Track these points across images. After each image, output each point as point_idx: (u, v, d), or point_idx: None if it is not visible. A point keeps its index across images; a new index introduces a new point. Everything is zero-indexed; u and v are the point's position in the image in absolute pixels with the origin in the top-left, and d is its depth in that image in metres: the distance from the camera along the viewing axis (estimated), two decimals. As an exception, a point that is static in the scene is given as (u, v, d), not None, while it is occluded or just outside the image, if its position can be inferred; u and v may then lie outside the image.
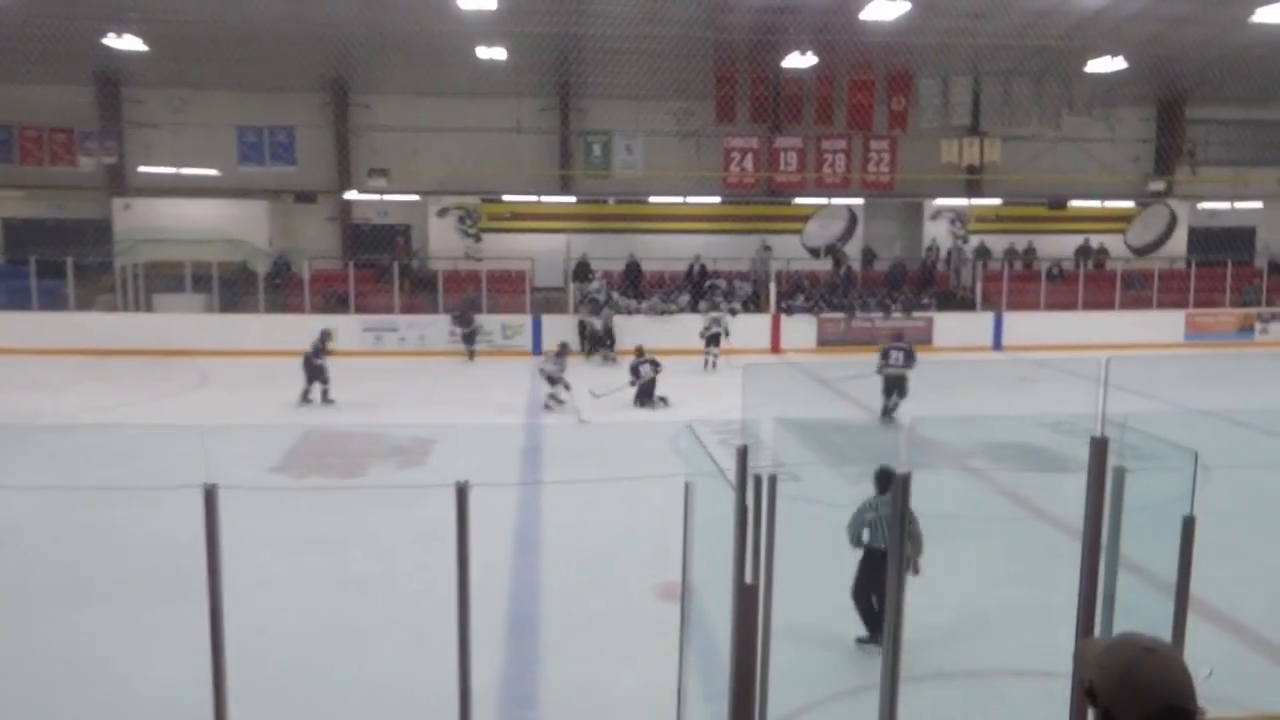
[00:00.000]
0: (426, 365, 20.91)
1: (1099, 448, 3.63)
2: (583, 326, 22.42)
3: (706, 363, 20.15)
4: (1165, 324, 24.44)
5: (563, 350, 16.54)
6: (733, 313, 22.59)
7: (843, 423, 14.07)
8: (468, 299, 22.84)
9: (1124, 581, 4.11)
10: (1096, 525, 3.66)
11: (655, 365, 16.40)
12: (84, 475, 10.46)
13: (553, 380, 15.81)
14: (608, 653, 6.84)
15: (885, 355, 14.83)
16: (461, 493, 4.07)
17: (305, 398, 16.25)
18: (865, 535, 6.73)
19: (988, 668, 6.62)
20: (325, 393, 16.34)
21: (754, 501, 3.73)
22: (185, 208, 24.78)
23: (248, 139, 24.36)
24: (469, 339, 21.75)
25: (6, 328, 21.53)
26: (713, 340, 20.36)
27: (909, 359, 14.58)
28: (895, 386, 14.52)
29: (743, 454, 3.56)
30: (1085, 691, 1.89)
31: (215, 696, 4.29)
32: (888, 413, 14.45)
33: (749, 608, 3.44)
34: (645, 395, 16.25)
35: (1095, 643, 1.99)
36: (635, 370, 16.41)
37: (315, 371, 16.34)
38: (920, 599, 4.32)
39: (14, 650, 6.77)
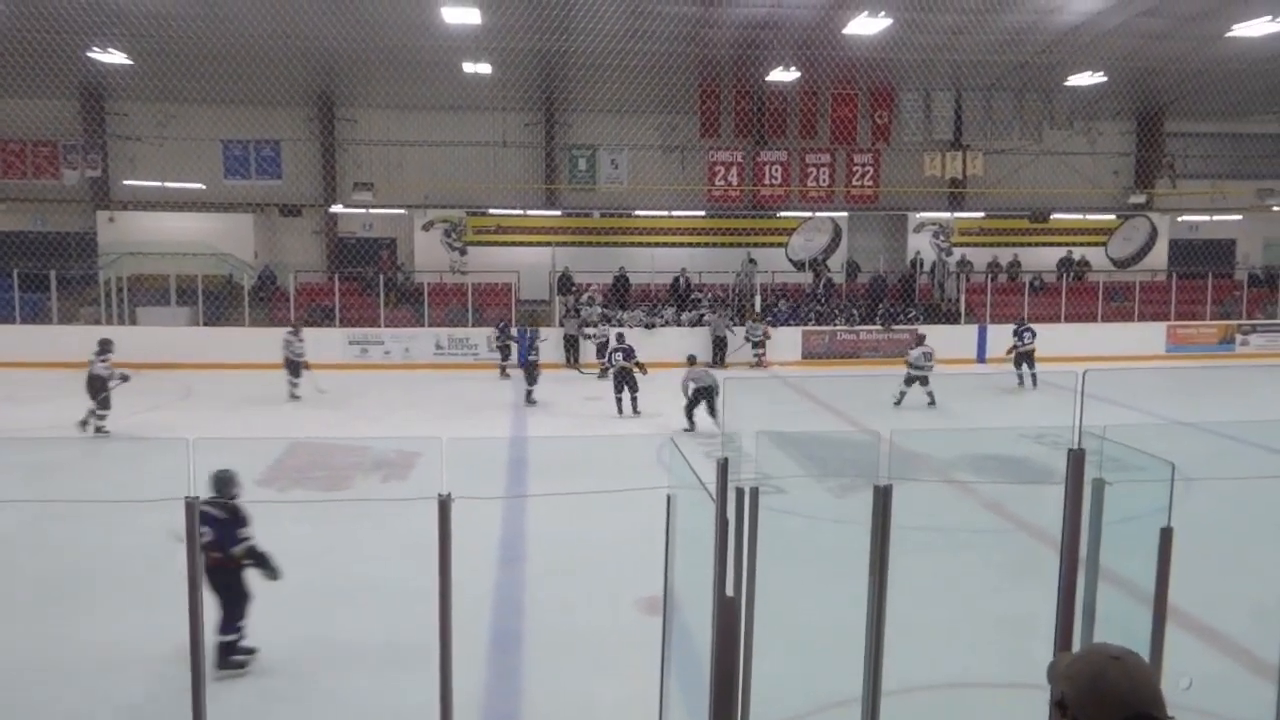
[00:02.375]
0: (411, 378, 20.87)
1: (1076, 460, 3.66)
2: (569, 340, 22.41)
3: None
4: (1147, 336, 24.62)
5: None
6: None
7: (827, 435, 14.11)
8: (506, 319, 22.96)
9: (1104, 593, 4.14)
10: (1074, 537, 3.69)
11: (629, 354, 16.74)
12: (66, 488, 10.39)
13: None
14: (591, 666, 6.83)
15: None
16: (443, 506, 4.07)
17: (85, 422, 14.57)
18: None
19: (969, 680, 6.64)
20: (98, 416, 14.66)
21: (735, 514, 3.75)
22: (170, 221, 24.72)
23: (233, 153, 24.35)
24: (506, 353, 21.70)
25: (-13, 341, 21.37)
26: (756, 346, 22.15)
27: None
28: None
29: (723, 467, 3.57)
30: (1056, 704, 1.91)
31: (194, 709, 4.28)
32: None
33: (730, 620, 3.45)
34: (622, 380, 16.53)
35: (1066, 655, 2.02)
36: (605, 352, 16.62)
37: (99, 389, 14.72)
38: (902, 611, 4.34)
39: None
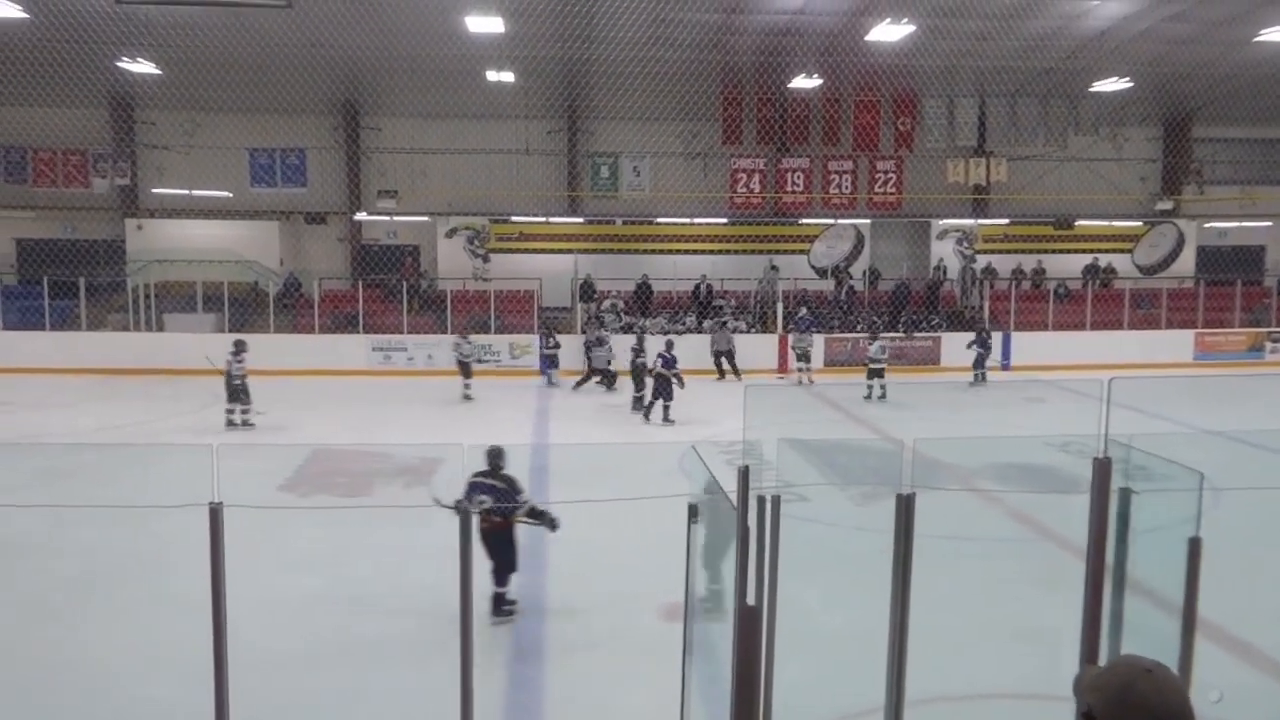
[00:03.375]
0: (434, 384, 20.95)
1: (1101, 468, 3.62)
2: (589, 349, 22.38)
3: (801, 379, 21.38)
4: (1174, 343, 24.34)
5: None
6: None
7: (850, 443, 14.04)
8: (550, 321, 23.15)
9: (1132, 603, 4.09)
10: (1100, 546, 3.65)
11: (670, 364, 16.77)
12: (93, 493, 10.49)
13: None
14: (613, 673, 6.82)
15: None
16: (465, 513, 4.08)
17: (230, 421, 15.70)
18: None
19: (994, 691, 6.58)
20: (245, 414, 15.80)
21: (757, 522, 3.73)
22: (197, 228, 24.98)
23: (259, 161, 24.61)
24: (554, 361, 21.73)
25: (19, 347, 21.66)
26: (803, 357, 21.46)
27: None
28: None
29: (744, 475, 3.56)
30: (1083, 716, 1.88)
31: (217, 710, 4.30)
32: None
33: (751, 628, 3.43)
34: (659, 389, 16.69)
35: (1093, 668, 1.99)
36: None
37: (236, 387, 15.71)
38: (926, 621, 4.30)
39: (21, 667, 6.79)
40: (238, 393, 15.76)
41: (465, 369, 19.55)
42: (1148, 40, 19.93)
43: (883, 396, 18.96)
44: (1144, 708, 1.81)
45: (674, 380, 16.63)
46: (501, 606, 7.64)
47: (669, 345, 17.60)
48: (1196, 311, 25.19)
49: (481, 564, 4.24)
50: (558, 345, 21.65)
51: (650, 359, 17.59)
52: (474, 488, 7.60)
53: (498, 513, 7.49)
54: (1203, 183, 27.32)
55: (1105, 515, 3.65)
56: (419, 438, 14.69)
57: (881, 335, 20.98)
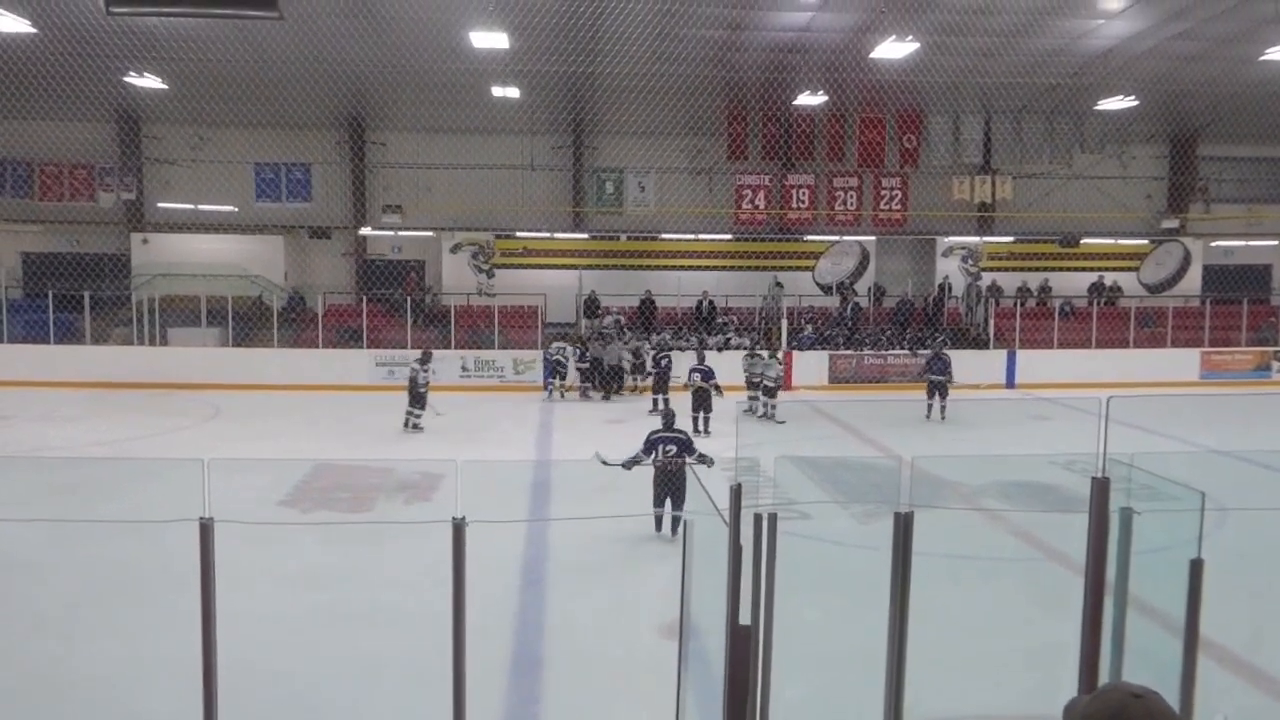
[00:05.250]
0: (437, 400, 20.90)
1: (1100, 487, 3.57)
2: (594, 363, 22.42)
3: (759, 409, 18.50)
4: (1180, 362, 24.26)
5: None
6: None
7: (852, 460, 13.97)
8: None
9: (1135, 624, 4.03)
10: (1099, 566, 3.60)
11: (707, 375, 17.09)
12: (95, 508, 10.46)
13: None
14: (611, 690, 6.75)
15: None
16: (458, 529, 4.03)
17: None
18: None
19: (994, 713, 6.49)
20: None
21: (754, 540, 3.68)
22: (202, 243, 25.07)
23: (265, 176, 24.73)
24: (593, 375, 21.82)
25: (24, 360, 21.70)
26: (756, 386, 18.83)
27: None
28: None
29: (736, 492, 3.51)
30: None
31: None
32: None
33: (742, 648, 3.38)
34: (698, 402, 16.77)
35: (1083, 697, 1.95)
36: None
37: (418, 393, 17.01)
38: (927, 641, 4.24)
39: (13, 682, 6.74)
40: (420, 398, 16.91)
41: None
42: (1153, 58, 19.93)
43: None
44: None
45: (713, 391, 16.85)
46: (676, 529, 9.88)
47: (700, 359, 18.08)
48: (1202, 330, 25.11)
49: (474, 580, 4.20)
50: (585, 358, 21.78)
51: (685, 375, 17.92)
52: (660, 440, 10.40)
53: (679, 455, 10.20)
54: (1209, 201, 27.29)
55: (1104, 535, 3.59)
56: (422, 454, 14.65)
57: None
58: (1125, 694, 1.84)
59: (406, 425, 16.93)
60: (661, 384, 19.55)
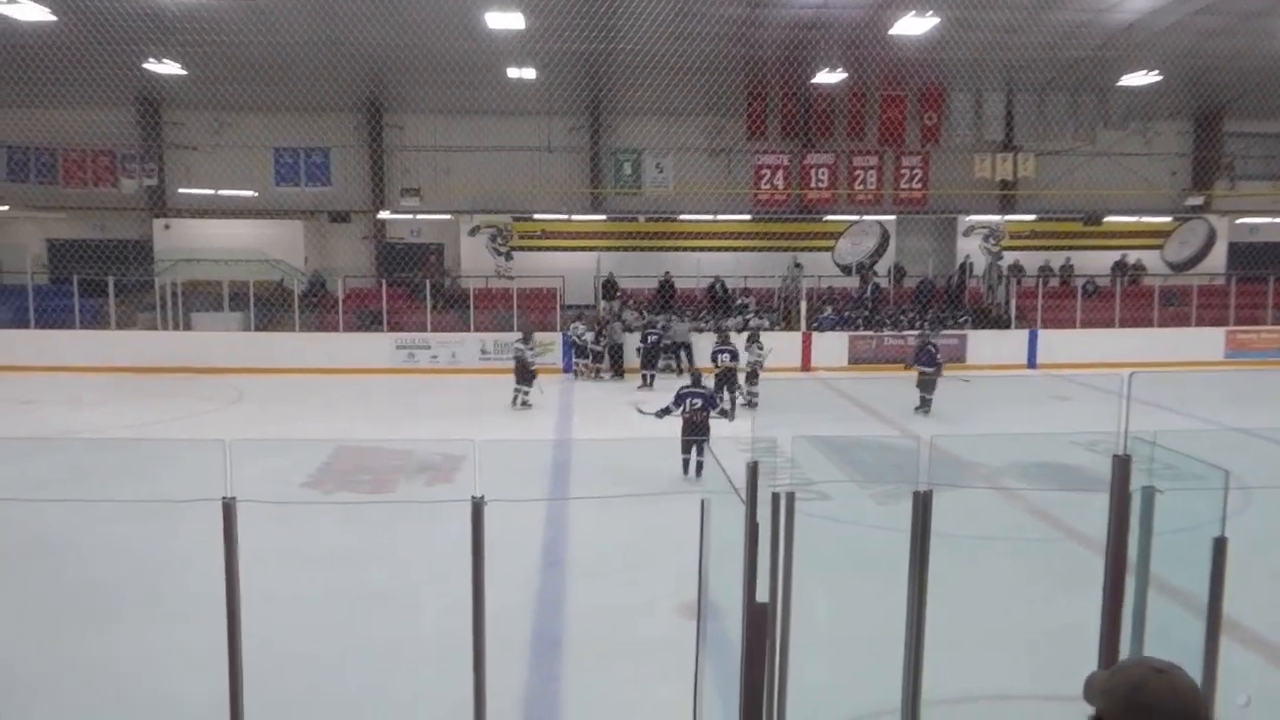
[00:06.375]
0: (458, 382, 21.01)
1: (1121, 465, 3.54)
2: (613, 347, 22.45)
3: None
4: (1205, 341, 23.99)
5: None
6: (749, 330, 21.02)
7: (870, 440, 13.93)
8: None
9: (1156, 604, 4.01)
10: (1120, 545, 3.57)
11: (735, 356, 16.90)
12: (117, 489, 10.59)
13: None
14: (630, 670, 6.79)
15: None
16: (477, 509, 4.05)
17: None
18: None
19: (1013, 691, 6.49)
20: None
21: (772, 519, 3.68)
22: (223, 228, 25.21)
23: (284, 160, 24.82)
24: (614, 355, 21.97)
25: (50, 345, 21.93)
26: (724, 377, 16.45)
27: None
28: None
29: (753, 470, 3.51)
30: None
31: (232, 712, 4.30)
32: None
33: (759, 627, 3.38)
34: (722, 382, 16.20)
35: (1103, 671, 1.92)
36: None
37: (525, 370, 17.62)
38: (946, 620, 4.23)
39: (37, 663, 6.84)
40: (530, 376, 17.65)
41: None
42: (1178, 33, 19.64)
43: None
44: (1154, 709, 1.75)
45: (758, 368, 17.14)
46: (700, 470, 11.45)
47: (724, 340, 17.87)
48: (1228, 309, 24.80)
49: (493, 561, 4.22)
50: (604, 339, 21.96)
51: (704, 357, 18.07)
52: (687, 394, 11.88)
53: (703, 410, 11.76)
54: (1234, 178, 26.91)
55: (1125, 513, 3.57)
56: (442, 434, 14.71)
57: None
58: (1147, 669, 1.81)
59: (515, 403, 17.55)
60: (649, 361, 20.69)
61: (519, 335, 18.54)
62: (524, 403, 17.60)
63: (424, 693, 6.38)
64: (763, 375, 17.92)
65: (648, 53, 19.30)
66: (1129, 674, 1.82)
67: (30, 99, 22.00)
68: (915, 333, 22.82)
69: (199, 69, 20.94)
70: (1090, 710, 1.85)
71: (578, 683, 6.68)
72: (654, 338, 21.09)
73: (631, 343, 21.83)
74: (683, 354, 21.98)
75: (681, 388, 12.19)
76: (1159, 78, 20.96)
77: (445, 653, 6.67)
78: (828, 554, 4.79)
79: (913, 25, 16.82)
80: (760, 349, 18.07)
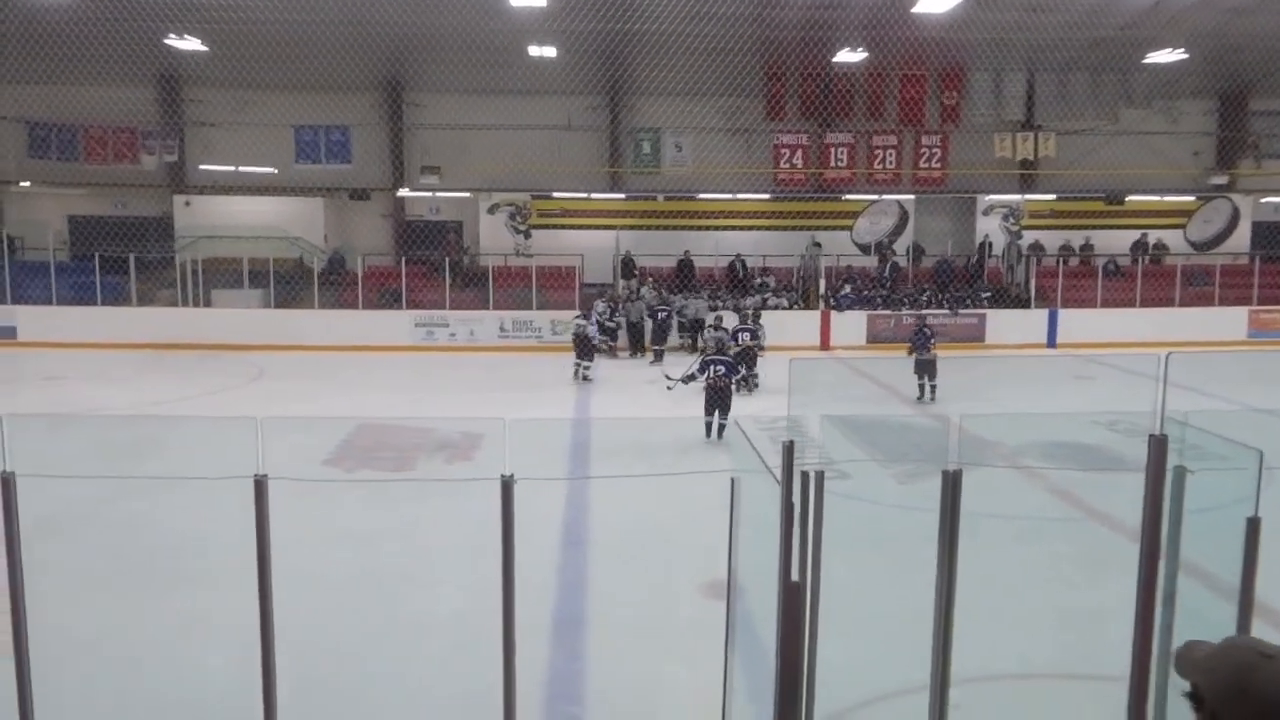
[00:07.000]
0: (477, 360, 21.09)
1: (1157, 446, 3.53)
2: (633, 326, 22.47)
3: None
4: (1227, 321, 23.79)
5: None
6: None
7: (893, 420, 13.92)
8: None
9: (1185, 585, 4.01)
10: (1155, 526, 3.57)
11: (755, 335, 16.99)
12: (139, 465, 10.69)
13: None
14: (654, 650, 6.83)
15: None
16: (506, 487, 4.08)
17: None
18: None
19: (1038, 670, 6.51)
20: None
21: (800, 498, 3.69)
22: (243, 205, 25.26)
23: (304, 138, 24.84)
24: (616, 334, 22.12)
25: (71, 322, 22.11)
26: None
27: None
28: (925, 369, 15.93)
29: (788, 450, 3.52)
30: (1189, 695, 1.75)
31: (265, 688, 4.36)
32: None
33: (795, 605, 3.40)
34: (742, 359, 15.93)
35: (1199, 645, 1.81)
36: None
37: (585, 345, 18.15)
38: (970, 599, 4.24)
39: (66, 639, 6.93)
40: (590, 351, 18.30)
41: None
42: (1204, 10, 19.35)
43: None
44: (1263, 696, 1.61)
45: (758, 350, 16.80)
46: (721, 435, 12.27)
47: (745, 319, 18.16)
48: (1251, 289, 24.57)
49: (518, 540, 4.25)
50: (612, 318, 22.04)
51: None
52: (711, 361, 12.70)
53: (726, 376, 12.57)
54: (1260, 156, 26.58)
55: (1160, 494, 3.56)
56: (462, 412, 14.78)
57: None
58: (1254, 652, 1.66)
59: (576, 376, 18.10)
60: (660, 338, 21.55)
61: (580, 313, 19.55)
62: (585, 377, 18.06)
63: (449, 669, 6.44)
64: (762, 357, 17.36)
65: (667, 32, 19.19)
66: (1232, 655, 1.70)
67: (52, 76, 22.05)
68: (941, 311, 22.72)
69: (220, 46, 20.95)
70: (1188, 682, 1.77)
71: (602, 661, 6.73)
72: (664, 314, 21.70)
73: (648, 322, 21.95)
74: (699, 332, 22.00)
75: (705, 355, 13.06)
76: (1184, 56, 20.69)
77: (469, 631, 6.76)
78: (852, 532, 4.80)
79: (936, 4, 16.64)
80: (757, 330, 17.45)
